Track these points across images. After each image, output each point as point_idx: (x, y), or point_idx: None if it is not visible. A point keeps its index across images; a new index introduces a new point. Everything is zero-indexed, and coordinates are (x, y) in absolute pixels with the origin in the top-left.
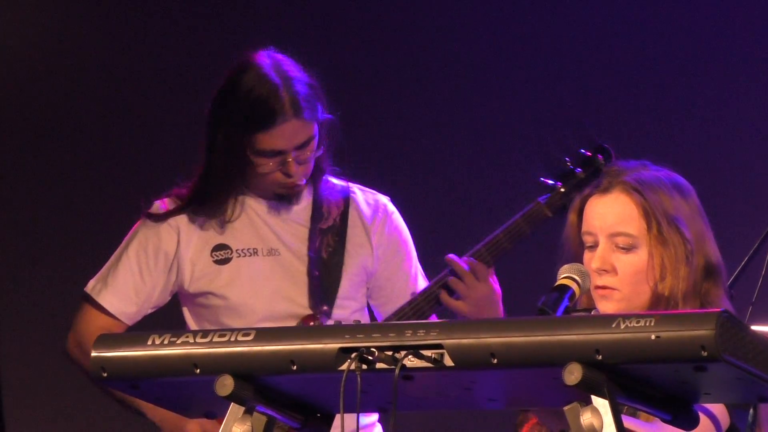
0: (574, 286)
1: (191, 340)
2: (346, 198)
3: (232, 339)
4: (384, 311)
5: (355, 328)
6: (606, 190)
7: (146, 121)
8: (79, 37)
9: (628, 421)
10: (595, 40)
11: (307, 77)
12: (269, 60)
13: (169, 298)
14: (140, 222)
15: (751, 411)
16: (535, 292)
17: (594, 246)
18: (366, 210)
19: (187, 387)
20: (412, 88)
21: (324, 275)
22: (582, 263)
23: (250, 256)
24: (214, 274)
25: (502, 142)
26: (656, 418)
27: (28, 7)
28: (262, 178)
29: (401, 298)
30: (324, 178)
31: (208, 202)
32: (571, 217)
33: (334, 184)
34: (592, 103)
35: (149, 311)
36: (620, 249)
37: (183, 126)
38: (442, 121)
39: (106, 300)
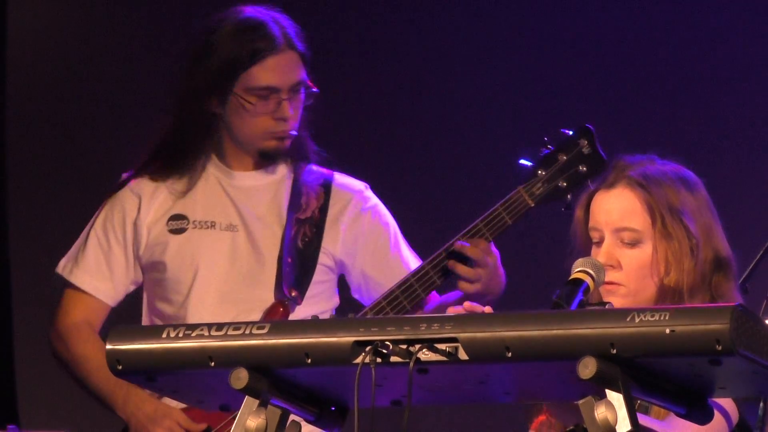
0: (588, 279)
1: (206, 333)
2: (327, 189)
3: (247, 332)
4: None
5: (370, 322)
6: (611, 186)
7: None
8: (95, 36)
9: (641, 419)
10: (589, 31)
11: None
12: (249, 5)
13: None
14: (107, 196)
15: (761, 404)
16: (550, 285)
17: (600, 242)
18: (343, 204)
19: (203, 379)
20: (393, 74)
21: (297, 263)
22: None
23: (206, 228)
24: (167, 243)
25: (479, 116)
26: (670, 414)
27: (43, 7)
28: (250, 126)
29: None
30: (307, 166)
31: (175, 159)
32: (578, 212)
33: (315, 173)
34: (596, 92)
35: (130, 288)
36: (625, 244)
37: None
38: (418, 99)
39: (79, 278)
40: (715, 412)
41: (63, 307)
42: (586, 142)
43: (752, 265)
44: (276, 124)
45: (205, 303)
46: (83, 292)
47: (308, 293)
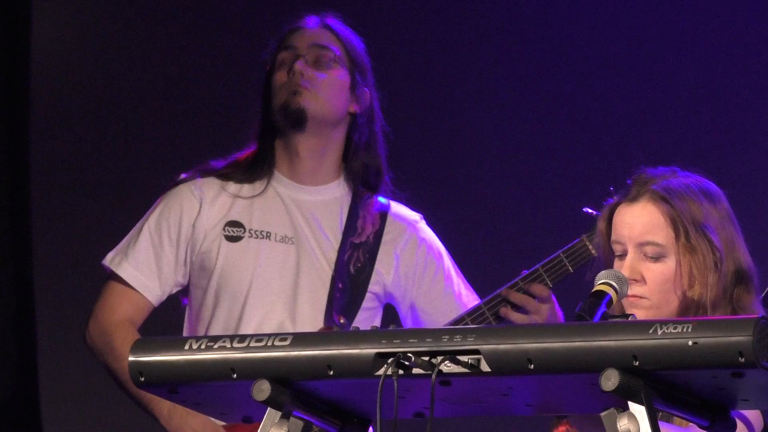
0: (611, 292)
1: (228, 345)
2: (383, 217)
3: (269, 344)
4: None
5: (392, 334)
6: (634, 199)
7: (194, 119)
8: (120, 41)
9: (663, 427)
10: (639, 57)
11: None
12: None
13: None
14: (164, 193)
15: None
16: (573, 297)
17: (623, 255)
18: (398, 232)
19: (225, 391)
20: (452, 108)
21: (348, 289)
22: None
23: (262, 238)
24: (221, 250)
25: (546, 164)
26: (691, 424)
27: (68, 12)
28: (273, 95)
29: (452, 316)
30: (367, 193)
31: (246, 165)
32: (601, 225)
33: (374, 200)
34: (635, 120)
35: (174, 289)
36: (648, 258)
37: (239, 127)
38: (484, 144)
39: (127, 272)
40: (739, 421)
41: (108, 300)
42: None
43: None
44: (290, 80)
45: (259, 313)
46: (130, 287)
47: (355, 320)
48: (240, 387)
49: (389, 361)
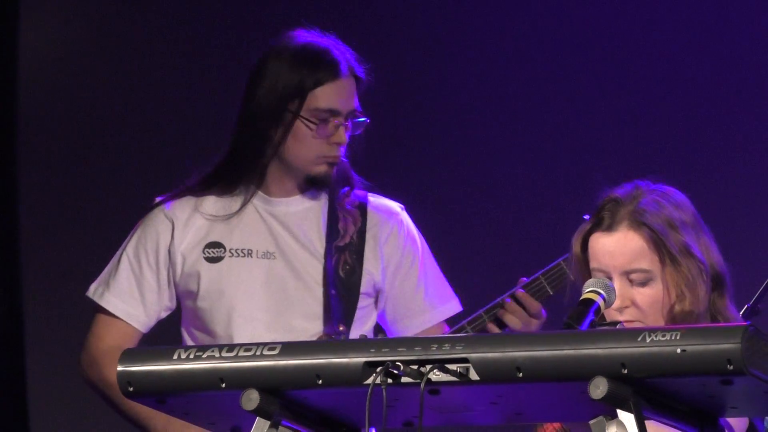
0: (599, 300)
1: (217, 354)
2: (363, 211)
3: (258, 353)
4: (399, 327)
5: (381, 342)
6: (611, 227)
7: (182, 129)
8: (108, 44)
9: (655, 425)
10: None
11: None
12: (310, 30)
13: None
14: (141, 219)
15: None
16: (561, 305)
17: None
18: (379, 225)
19: (213, 401)
20: (450, 103)
21: (342, 294)
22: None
23: (243, 257)
24: (203, 272)
25: (538, 160)
26: None
27: (56, 14)
28: (307, 148)
29: (416, 313)
30: (343, 190)
31: (222, 179)
32: (575, 249)
33: (350, 196)
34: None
35: (161, 314)
36: (636, 284)
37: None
38: (475, 140)
39: (110, 303)
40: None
41: (95, 332)
42: None
43: (765, 285)
44: (330, 148)
45: (251, 333)
46: (114, 317)
47: (354, 325)
48: (229, 396)
49: (378, 369)
